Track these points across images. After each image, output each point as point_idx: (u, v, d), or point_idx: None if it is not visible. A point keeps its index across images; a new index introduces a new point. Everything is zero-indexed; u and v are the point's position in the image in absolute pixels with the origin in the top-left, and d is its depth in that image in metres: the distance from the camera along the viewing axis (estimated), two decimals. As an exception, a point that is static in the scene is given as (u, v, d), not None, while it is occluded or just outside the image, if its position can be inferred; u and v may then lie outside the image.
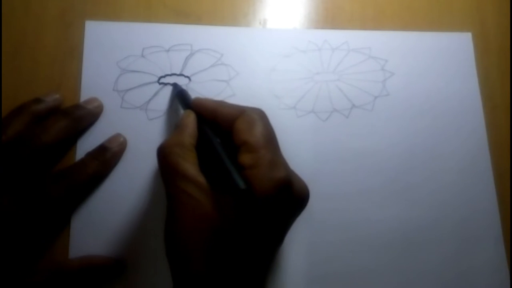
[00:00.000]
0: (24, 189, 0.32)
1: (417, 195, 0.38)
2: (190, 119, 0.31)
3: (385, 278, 0.36)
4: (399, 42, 0.41)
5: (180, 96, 0.36)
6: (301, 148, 0.38)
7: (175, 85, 0.37)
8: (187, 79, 0.38)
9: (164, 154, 0.29)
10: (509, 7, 0.43)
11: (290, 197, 0.28)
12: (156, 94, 0.37)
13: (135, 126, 0.37)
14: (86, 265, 0.33)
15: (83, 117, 0.35)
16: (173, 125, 0.37)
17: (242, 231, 0.27)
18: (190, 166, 0.28)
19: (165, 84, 0.38)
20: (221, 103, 0.32)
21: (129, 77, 0.38)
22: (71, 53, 0.38)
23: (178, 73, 0.38)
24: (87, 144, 0.36)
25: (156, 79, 0.38)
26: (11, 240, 0.31)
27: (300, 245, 0.36)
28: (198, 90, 0.38)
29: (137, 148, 0.36)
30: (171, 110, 0.37)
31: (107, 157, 0.35)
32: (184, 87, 0.37)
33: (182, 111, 0.35)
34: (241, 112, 0.30)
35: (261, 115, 0.30)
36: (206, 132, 0.31)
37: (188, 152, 0.29)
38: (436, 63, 0.41)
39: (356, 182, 0.37)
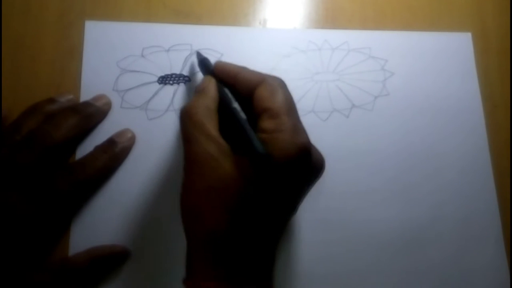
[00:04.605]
0: (34, 186, 0.31)
1: (417, 194, 0.38)
2: (211, 84, 0.32)
3: (384, 277, 0.36)
4: (399, 42, 0.41)
5: (202, 63, 0.36)
6: (301, 148, 0.38)
7: (198, 53, 0.37)
8: (187, 79, 0.38)
9: (189, 114, 0.29)
10: (509, 7, 0.43)
11: (309, 163, 0.28)
12: (156, 94, 0.37)
13: (135, 126, 0.36)
14: (94, 257, 0.33)
15: (93, 114, 0.35)
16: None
17: (260, 193, 0.27)
18: (213, 128, 0.29)
19: (165, 84, 0.38)
20: (243, 69, 0.32)
21: (129, 77, 0.38)
22: (71, 53, 0.38)
23: (178, 73, 0.38)
24: (86, 144, 0.35)
25: (156, 79, 0.38)
26: (20, 236, 0.31)
27: (300, 244, 0.36)
28: (198, 90, 0.38)
29: (137, 148, 0.36)
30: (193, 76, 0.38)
31: (116, 151, 0.35)
32: (184, 87, 0.37)
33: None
34: (262, 80, 0.30)
35: (281, 84, 0.30)
36: (226, 97, 0.31)
37: (212, 114, 0.29)
38: (436, 63, 0.41)
39: (356, 181, 0.37)
